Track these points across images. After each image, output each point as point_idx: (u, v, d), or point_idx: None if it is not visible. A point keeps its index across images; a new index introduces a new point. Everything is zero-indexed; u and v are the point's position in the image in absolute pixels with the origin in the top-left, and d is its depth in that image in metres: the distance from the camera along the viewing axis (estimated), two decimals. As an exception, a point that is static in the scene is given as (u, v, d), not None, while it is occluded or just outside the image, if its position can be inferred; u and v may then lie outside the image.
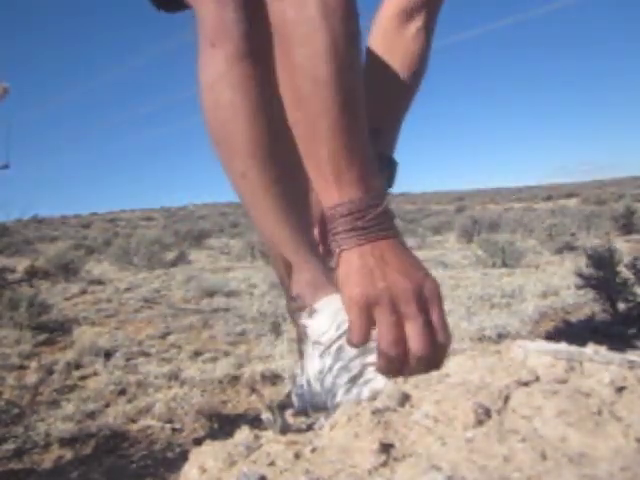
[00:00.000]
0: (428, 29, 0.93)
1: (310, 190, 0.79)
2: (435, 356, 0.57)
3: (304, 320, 0.74)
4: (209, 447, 0.45)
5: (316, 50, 0.58)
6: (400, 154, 0.94)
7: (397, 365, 0.57)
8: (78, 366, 1.76)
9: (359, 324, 0.58)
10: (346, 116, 0.59)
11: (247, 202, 0.79)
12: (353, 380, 0.65)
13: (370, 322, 0.58)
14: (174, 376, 1.57)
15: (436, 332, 0.58)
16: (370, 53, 0.93)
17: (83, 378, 1.66)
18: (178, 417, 1.25)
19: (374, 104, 0.81)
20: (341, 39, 0.59)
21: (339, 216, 0.59)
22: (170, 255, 5.70)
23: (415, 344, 0.56)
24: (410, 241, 6.61)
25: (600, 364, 0.45)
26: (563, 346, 0.50)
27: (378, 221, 0.59)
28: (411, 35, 0.91)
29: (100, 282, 4.03)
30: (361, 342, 0.58)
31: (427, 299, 0.57)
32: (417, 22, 0.91)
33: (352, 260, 0.58)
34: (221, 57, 0.73)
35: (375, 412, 0.44)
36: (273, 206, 0.76)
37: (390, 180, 0.92)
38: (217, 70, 0.73)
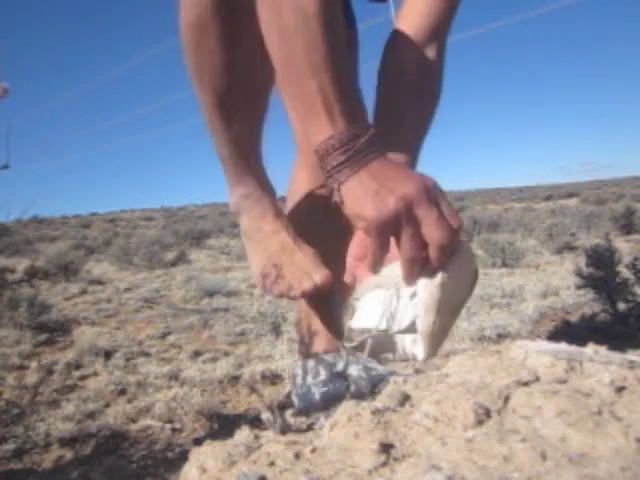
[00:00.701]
0: (440, 57, 0.92)
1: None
2: (453, 242, 0.60)
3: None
4: (209, 447, 0.45)
5: None
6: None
7: (421, 265, 0.60)
8: (78, 366, 1.76)
9: (379, 247, 0.60)
10: (333, 49, 0.63)
11: (209, 127, 0.93)
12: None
13: (388, 243, 0.61)
14: (174, 376, 1.57)
15: (449, 220, 0.60)
16: (386, 79, 0.92)
17: (83, 378, 1.66)
18: (178, 417, 1.25)
19: (393, 129, 0.86)
20: None
21: (332, 150, 0.61)
22: (170, 255, 5.70)
23: (435, 235, 0.58)
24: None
25: (600, 364, 0.45)
26: (563, 346, 0.50)
27: (367, 146, 0.61)
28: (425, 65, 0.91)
29: (100, 282, 4.03)
30: (380, 266, 0.62)
31: (432, 193, 0.59)
32: (431, 52, 0.90)
33: (355, 190, 0.60)
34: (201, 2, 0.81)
35: (375, 412, 0.44)
36: (226, 137, 0.91)
37: None
38: (198, 12, 0.81)
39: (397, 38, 0.90)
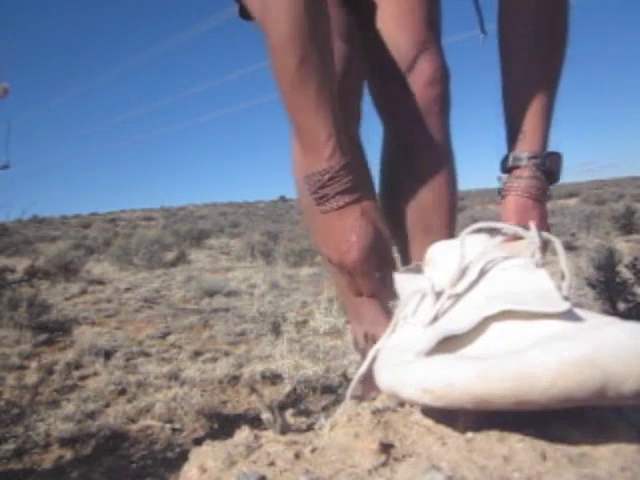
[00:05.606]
0: None
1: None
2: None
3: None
4: (209, 447, 0.45)
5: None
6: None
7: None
8: (78, 366, 1.76)
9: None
10: (312, 95, 0.67)
11: (332, 268, 0.91)
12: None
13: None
14: (174, 376, 1.57)
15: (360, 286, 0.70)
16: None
17: (83, 378, 1.66)
18: (178, 417, 1.25)
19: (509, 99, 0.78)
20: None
21: (315, 183, 0.68)
22: (170, 255, 5.70)
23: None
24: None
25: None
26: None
27: (336, 193, 0.67)
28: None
29: (100, 282, 4.03)
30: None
31: (355, 266, 0.68)
32: None
33: (327, 227, 0.69)
34: None
35: (375, 412, 0.44)
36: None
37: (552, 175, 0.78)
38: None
39: None
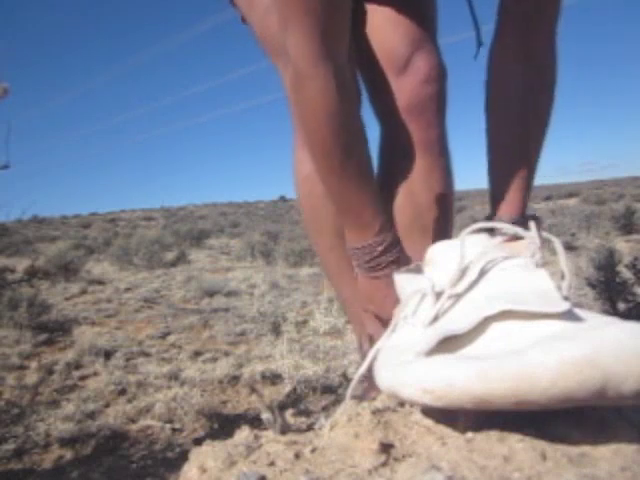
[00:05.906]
0: (548, 51, 0.76)
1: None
2: None
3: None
4: (209, 447, 0.45)
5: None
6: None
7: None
8: (78, 366, 1.76)
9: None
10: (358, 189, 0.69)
11: (332, 270, 0.92)
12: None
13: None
14: (174, 376, 1.57)
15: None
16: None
17: (83, 378, 1.66)
18: (178, 417, 1.25)
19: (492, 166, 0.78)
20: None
21: (359, 256, 0.72)
22: (170, 255, 5.70)
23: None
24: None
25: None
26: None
27: (379, 262, 0.71)
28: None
29: (100, 282, 4.03)
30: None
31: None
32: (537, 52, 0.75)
33: (363, 290, 0.75)
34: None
35: (375, 412, 0.44)
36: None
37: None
38: (310, 166, 0.82)
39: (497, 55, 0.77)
